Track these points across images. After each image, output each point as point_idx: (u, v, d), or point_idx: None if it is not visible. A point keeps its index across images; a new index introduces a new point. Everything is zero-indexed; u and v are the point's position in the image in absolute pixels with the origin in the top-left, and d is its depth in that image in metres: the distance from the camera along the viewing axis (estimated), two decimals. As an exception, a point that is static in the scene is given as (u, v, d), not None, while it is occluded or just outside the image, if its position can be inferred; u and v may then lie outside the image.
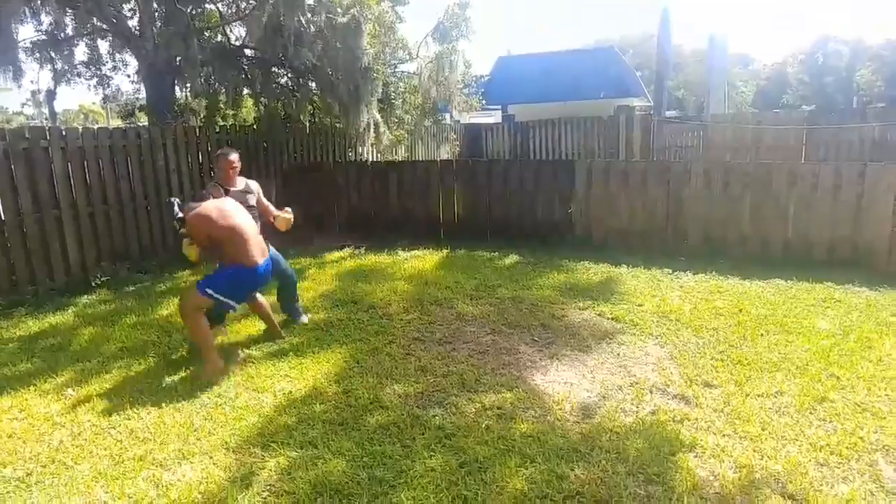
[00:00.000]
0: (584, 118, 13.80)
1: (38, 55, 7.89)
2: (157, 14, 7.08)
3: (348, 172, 8.16)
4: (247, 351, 4.12)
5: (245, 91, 8.52)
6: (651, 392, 3.36)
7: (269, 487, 2.58)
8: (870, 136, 10.99)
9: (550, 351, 3.99)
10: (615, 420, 3.05)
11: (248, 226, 3.83)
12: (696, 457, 2.72)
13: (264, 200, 4.55)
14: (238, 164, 4.28)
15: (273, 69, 7.99)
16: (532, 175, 7.17)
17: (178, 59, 7.01)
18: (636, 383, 3.46)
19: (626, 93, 18.18)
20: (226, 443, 2.94)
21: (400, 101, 8.45)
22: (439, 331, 4.40)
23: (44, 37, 7.79)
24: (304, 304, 5.09)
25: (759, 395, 3.27)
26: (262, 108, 8.26)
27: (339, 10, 6.74)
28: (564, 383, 3.52)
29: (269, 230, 4.52)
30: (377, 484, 2.57)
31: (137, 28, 7.36)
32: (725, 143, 12.16)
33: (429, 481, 2.57)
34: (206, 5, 7.99)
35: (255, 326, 4.56)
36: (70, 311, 5.13)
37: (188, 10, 7.01)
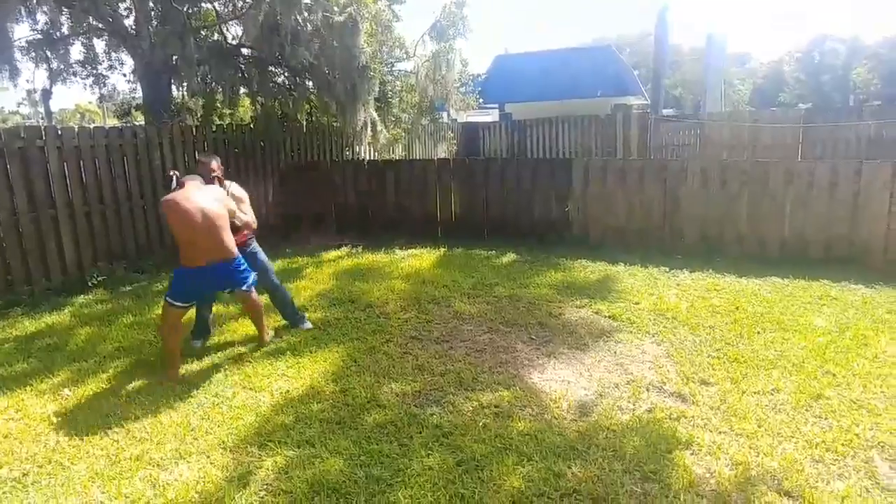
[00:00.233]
0: (582, 117, 13.81)
1: (33, 54, 7.86)
2: (153, 13, 7.05)
3: (345, 171, 8.16)
4: (243, 350, 4.11)
5: (242, 90, 8.48)
6: (648, 390, 3.37)
7: (266, 486, 2.58)
8: (866, 133, 11.03)
9: (547, 349, 4.00)
10: (612, 418, 3.06)
11: (203, 225, 3.54)
12: (692, 454, 2.72)
13: (242, 209, 4.22)
14: (218, 171, 4.14)
15: (270, 68, 7.97)
16: (529, 174, 7.17)
17: (174, 58, 6.99)
18: (633, 381, 3.47)
19: (623, 91, 18.19)
20: (223, 442, 2.94)
21: (397, 99, 8.43)
22: (437, 329, 4.40)
23: (39, 36, 7.76)
24: (302, 304, 5.09)
25: (755, 393, 3.28)
26: (259, 107, 8.24)
27: (335, 8, 6.72)
28: (561, 381, 3.52)
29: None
30: (374, 483, 2.57)
31: (133, 27, 7.33)
32: (722, 142, 12.19)
33: (426, 480, 2.58)
34: (203, 4, 7.96)
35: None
36: (66, 310, 5.12)
37: (184, 9, 6.99)
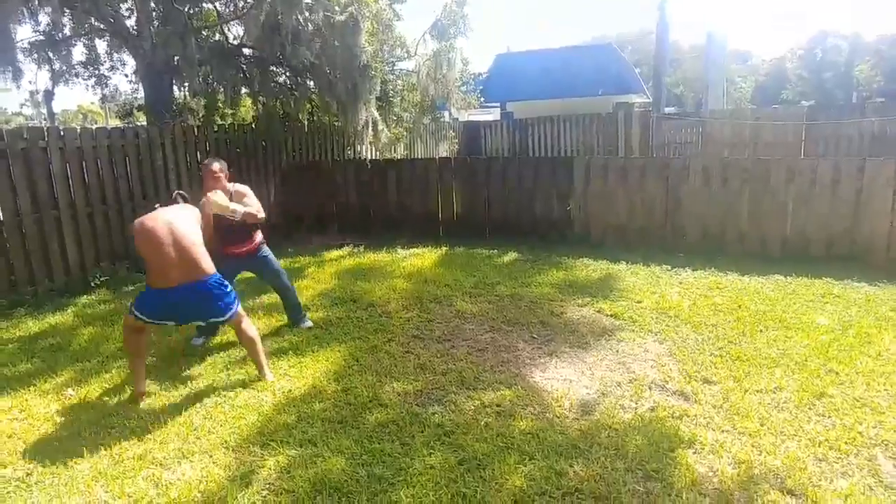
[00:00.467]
0: (583, 115, 13.79)
1: (36, 56, 7.88)
2: (154, 13, 7.06)
3: (347, 171, 8.16)
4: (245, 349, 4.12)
5: (243, 90, 8.50)
6: (650, 388, 3.36)
7: (268, 486, 2.59)
8: (869, 130, 10.98)
9: (549, 348, 4.00)
10: (614, 417, 3.05)
11: (171, 245, 3.25)
12: (695, 453, 2.72)
13: (246, 202, 4.14)
14: (220, 174, 4.04)
15: (271, 68, 7.98)
16: (531, 172, 7.17)
17: (175, 58, 7.00)
18: (635, 380, 3.47)
19: (625, 89, 18.16)
20: (225, 441, 2.95)
21: (398, 98, 8.44)
22: (438, 329, 4.41)
23: (41, 37, 7.77)
24: (304, 303, 5.09)
25: (758, 391, 3.27)
26: (260, 107, 8.25)
27: (336, 8, 6.72)
28: (563, 380, 3.52)
29: (265, 232, 4.49)
30: (376, 482, 2.57)
31: (135, 28, 7.34)
32: (724, 140, 12.16)
33: (428, 479, 2.58)
34: (204, 4, 7.97)
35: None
36: (69, 311, 5.13)
37: (186, 10, 7.00)
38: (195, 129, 7.24)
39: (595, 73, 18.30)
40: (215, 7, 8.13)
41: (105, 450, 2.92)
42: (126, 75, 9.35)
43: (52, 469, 2.78)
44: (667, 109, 14.43)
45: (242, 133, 7.86)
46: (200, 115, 8.88)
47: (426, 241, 7.28)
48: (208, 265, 3.37)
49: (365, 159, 8.18)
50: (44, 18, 7.42)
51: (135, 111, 10.10)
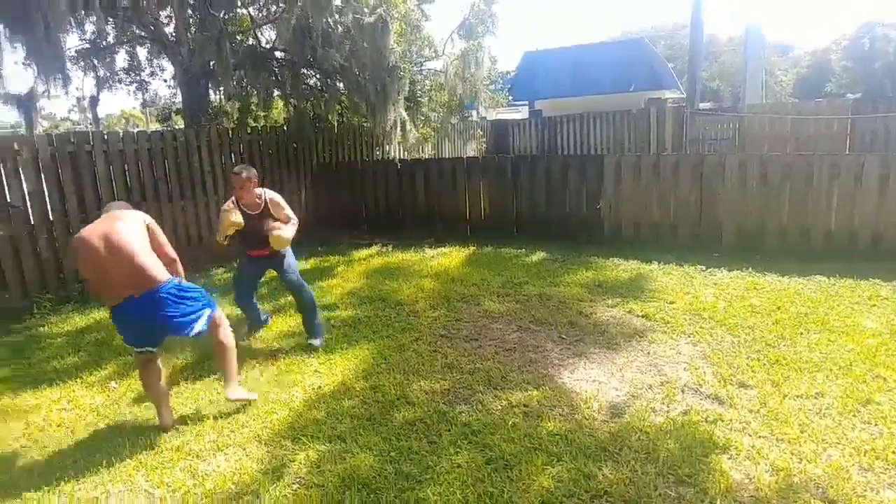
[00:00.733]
0: (614, 112, 13.56)
1: (82, 63, 8.24)
2: (191, 20, 7.27)
3: (376, 171, 8.24)
4: (277, 346, 4.21)
5: (275, 93, 8.68)
6: (683, 391, 3.29)
7: (298, 479, 2.64)
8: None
9: (578, 349, 3.95)
10: (645, 420, 3.00)
11: (110, 257, 2.92)
12: (730, 458, 2.65)
13: (283, 214, 4.12)
14: (247, 181, 3.96)
15: (302, 71, 8.12)
16: (559, 171, 7.09)
17: (211, 63, 7.19)
18: (667, 382, 3.40)
19: (657, 85, 17.79)
20: (258, 435, 3.02)
21: (426, 98, 8.48)
22: (466, 328, 4.41)
23: (88, 45, 8.11)
24: (333, 301, 5.17)
25: (798, 397, 3.16)
26: (291, 109, 8.41)
27: (365, 9, 6.80)
28: (592, 382, 3.47)
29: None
30: (404, 479, 2.59)
31: (173, 34, 7.58)
32: (763, 135, 11.76)
33: (455, 477, 2.58)
34: (238, 10, 8.16)
35: (286, 322, 4.66)
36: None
37: (221, 15, 7.18)
38: (229, 132, 7.43)
39: (626, 69, 17.98)
40: (249, 12, 8.32)
41: (145, 440, 3.03)
42: (165, 80, 9.69)
43: (97, 457, 2.90)
44: (702, 105, 14.05)
45: (274, 135, 8.03)
46: (235, 117, 9.10)
47: (454, 240, 7.28)
48: (158, 273, 3.00)
49: (393, 159, 8.25)
50: (89, 27, 7.76)
51: (173, 115, 10.45)
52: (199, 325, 3.09)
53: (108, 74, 8.87)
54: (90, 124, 11.90)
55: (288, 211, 4.12)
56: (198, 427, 3.14)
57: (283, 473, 2.68)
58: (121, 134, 6.30)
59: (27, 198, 5.36)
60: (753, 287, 5.02)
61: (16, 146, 5.27)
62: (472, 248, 6.91)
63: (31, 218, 5.39)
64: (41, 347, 4.49)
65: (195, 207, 6.81)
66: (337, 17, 6.64)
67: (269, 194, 4.12)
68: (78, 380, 3.84)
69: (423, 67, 8.82)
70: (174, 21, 7.47)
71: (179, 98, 8.98)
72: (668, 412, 3.08)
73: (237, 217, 3.91)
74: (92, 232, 2.98)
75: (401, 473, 2.63)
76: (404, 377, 3.60)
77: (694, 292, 4.95)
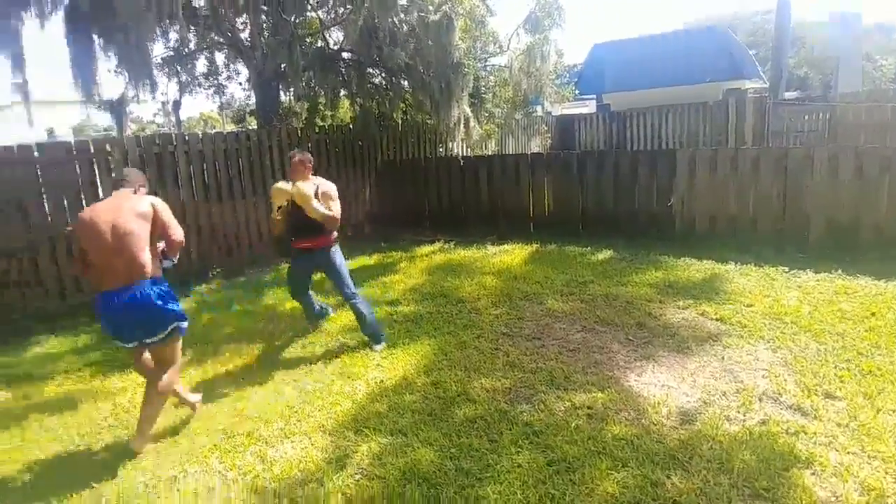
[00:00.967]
0: (688, 104, 12.91)
1: (166, 69, 8.79)
2: (264, 25, 7.60)
3: (439, 168, 8.29)
4: (341, 339, 4.32)
5: (342, 92, 8.91)
6: (761, 400, 3.08)
7: (361, 471, 2.70)
8: None
9: (646, 351, 3.79)
10: (718, 428, 2.83)
11: (111, 243, 2.84)
12: (813, 474, 2.45)
13: (331, 206, 4.03)
14: (298, 164, 4.01)
15: (368, 70, 8.29)
16: (629, 166, 6.84)
17: (282, 66, 7.48)
18: (743, 390, 3.19)
19: (737, 74, 16.73)
20: (322, 426, 3.11)
21: (490, 94, 8.42)
22: (528, 326, 4.34)
23: (171, 53, 8.66)
24: (395, 297, 5.24)
25: (893, 411, 2.88)
26: (357, 108, 8.61)
27: (430, 7, 6.84)
28: (661, 386, 3.33)
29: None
30: (464, 476, 2.59)
31: (248, 40, 7.95)
32: (859, 124, 10.81)
33: (516, 477, 2.55)
34: (308, 13, 8.44)
35: (349, 316, 4.76)
36: (191, 298, 5.68)
37: (292, 20, 7.46)
38: (298, 132, 7.71)
39: (702, 59, 17.04)
40: (318, 15, 8.58)
41: (219, 425, 3.20)
42: (240, 84, 10.18)
43: (175, 440, 3.10)
44: (787, 94, 13.11)
45: (340, 133, 8.25)
46: (303, 117, 9.43)
47: (517, 237, 7.20)
48: (148, 266, 2.90)
49: (456, 156, 8.26)
50: (173, 36, 8.30)
51: (247, 116, 10.94)
52: (157, 337, 2.98)
53: (190, 79, 9.43)
54: (173, 127, 12.71)
55: (336, 205, 4.04)
56: (266, 415, 3.28)
57: (346, 464, 2.75)
58: (200, 135, 6.69)
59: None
60: (843, 291, 4.63)
61: (108, 147, 5.72)
62: (535, 246, 6.80)
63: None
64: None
65: (266, 204, 7.10)
66: (402, 15, 6.73)
67: (324, 185, 4.09)
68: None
69: (487, 63, 8.77)
70: (249, 27, 7.83)
71: (253, 100, 9.41)
72: (744, 421, 2.89)
73: (285, 185, 3.88)
74: (99, 215, 2.88)
75: (461, 470, 2.63)
76: (465, 374, 3.59)
77: (775, 295, 4.63)
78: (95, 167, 5.61)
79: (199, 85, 9.85)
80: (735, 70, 17.21)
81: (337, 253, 4.17)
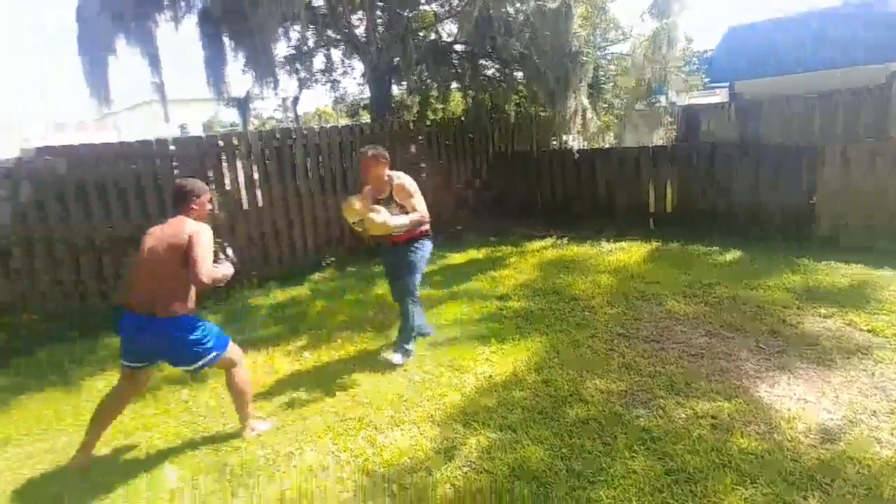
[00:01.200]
0: (836, 91, 11.40)
1: (287, 67, 9.38)
2: (379, 21, 7.82)
3: (552, 160, 8.05)
4: (450, 332, 4.35)
5: (454, 85, 8.93)
6: (924, 425, 2.65)
7: (469, 463, 2.69)
8: None
9: (780, 361, 3.42)
10: (866, 450, 2.51)
11: (145, 266, 2.82)
12: None
13: (413, 204, 3.69)
14: (370, 161, 3.65)
15: (481, 62, 8.24)
16: (764, 160, 6.19)
17: (395, 59, 7.68)
18: (901, 411, 2.77)
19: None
20: (431, 416, 3.15)
21: (610, 84, 8.01)
22: (646, 328, 4.09)
23: (293, 51, 9.23)
24: (504, 292, 5.16)
25: None
26: (469, 100, 8.60)
27: (548, -5, 6.62)
28: (797, 399, 2.99)
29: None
30: (575, 477, 2.50)
31: (364, 35, 8.25)
32: None
33: (630, 483, 2.42)
34: (422, 7, 8.56)
35: (459, 308, 4.80)
36: (306, 285, 6.02)
37: (406, 14, 7.61)
38: (410, 124, 7.86)
39: (855, 38, 14.97)
40: (432, 8, 8.68)
41: (332, 408, 3.34)
42: (355, 78, 10.52)
43: (292, 418, 3.28)
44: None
45: (451, 126, 8.30)
46: (415, 111, 9.62)
47: (635, 234, 6.80)
48: (176, 305, 2.77)
49: (571, 149, 7.98)
50: (293, 35, 8.81)
51: (360, 110, 11.37)
52: (192, 366, 2.91)
53: (308, 76, 9.93)
54: (291, 122, 13.59)
55: (416, 200, 3.66)
56: (377, 401, 3.36)
57: (454, 455, 2.75)
58: (316, 129, 7.06)
59: (242, 185, 6.15)
60: None
61: (235, 141, 6.21)
62: (655, 244, 6.38)
63: (246, 203, 6.21)
64: (248, 316, 5.15)
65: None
66: (518, 5, 6.59)
67: (400, 179, 3.67)
68: (277, 347, 4.33)
69: (606, 52, 8.36)
70: (365, 22, 8.12)
71: (367, 94, 9.76)
72: (900, 447, 2.51)
73: (357, 202, 3.58)
74: (154, 233, 2.90)
75: (572, 471, 2.54)
76: (578, 374, 3.46)
77: (945, 307, 3.96)
78: (224, 159, 6.04)
79: (317, 81, 10.30)
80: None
81: (422, 248, 3.80)
